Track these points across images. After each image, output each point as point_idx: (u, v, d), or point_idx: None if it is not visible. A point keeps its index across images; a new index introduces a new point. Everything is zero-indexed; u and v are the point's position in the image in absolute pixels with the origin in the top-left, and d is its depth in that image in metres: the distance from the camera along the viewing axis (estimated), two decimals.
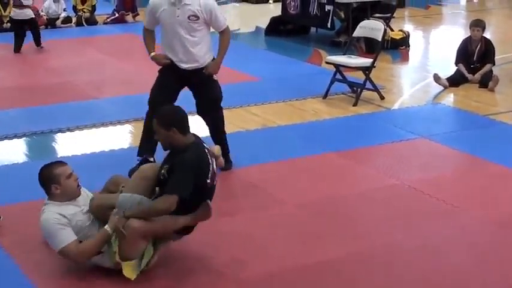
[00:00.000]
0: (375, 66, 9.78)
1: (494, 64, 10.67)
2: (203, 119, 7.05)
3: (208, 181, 5.12)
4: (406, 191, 6.67)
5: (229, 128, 8.22)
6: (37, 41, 12.74)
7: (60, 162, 5.30)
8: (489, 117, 8.96)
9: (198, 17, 6.60)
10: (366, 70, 9.69)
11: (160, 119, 5.19)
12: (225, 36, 6.87)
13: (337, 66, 9.86)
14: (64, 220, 5.01)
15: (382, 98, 9.67)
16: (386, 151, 7.79)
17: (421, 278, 5.16)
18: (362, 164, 7.46)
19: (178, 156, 5.05)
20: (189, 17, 6.59)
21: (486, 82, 10.27)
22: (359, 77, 9.91)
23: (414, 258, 5.44)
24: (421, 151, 7.81)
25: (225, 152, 6.98)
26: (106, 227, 5.01)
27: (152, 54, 6.89)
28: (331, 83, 9.79)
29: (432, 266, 5.30)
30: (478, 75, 10.46)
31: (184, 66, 6.74)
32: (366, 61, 9.89)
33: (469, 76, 10.48)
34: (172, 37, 6.69)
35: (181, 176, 4.97)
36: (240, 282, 5.05)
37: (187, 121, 5.22)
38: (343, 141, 8.03)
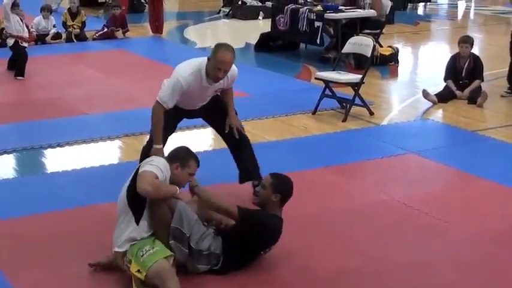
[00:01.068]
0: (364, 82, 9.82)
1: (482, 80, 10.73)
2: (229, 139, 6.77)
3: (262, 252, 5.48)
4: (396, 207, 6.69)
5: (220, 144, 8.25)
6: (16, 70, 11.95)
7: (198, 162, 5.51)
8: (478, 133, 9.01)
9: (223, 88, 6.49)
10: (355, 86, 9.73)
11: (275, 181, 5.52)
12: (231, 89, 6.68)
13: (327, 82, 9.89)
14: (165, 171, 5.26)
15: (371, 113, 9.70)
16: (376, 167, 7.82)
17: None
18: (351, 179, 7.48)
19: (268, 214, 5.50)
20: (216, 91, 6.46)
21: (475, 98, 10.32)
22: (348, 92, 9.95)
23: (405, 273, 5.46)
24: (410, 167, 7.84)
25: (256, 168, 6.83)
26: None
27: (159, 147, 6.20)
28: (321, 98, 9.82)
29: (423, 282, 5.32)
30: (466, 92, 10.52)
31: (196, 107, 6.61)
32: (355, 77, 9.92)
33: (458, 92, 10.53)
34: (191, 101, 6.49)
35: (262, 219, 5.42)
36: None
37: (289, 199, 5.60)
38: (333, 157, 8.05)
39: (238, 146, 6.75)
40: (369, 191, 7.10)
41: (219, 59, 6.02)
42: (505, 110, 10.22)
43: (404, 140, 8.61)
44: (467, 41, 10.75)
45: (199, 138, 8.69)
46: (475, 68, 10.71)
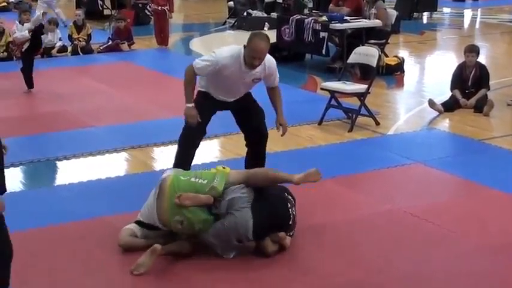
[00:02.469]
0: (369, 92, 9.82)
1: (489, 89, 10.73)
2: (252, 135, 7.12)
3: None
4: (402, 217, 6.68)
5: (225, 154, 8.28)
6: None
7: None
8: (484, 142, 9.00)
9: (260, 79, 6.74)
10: (361, 96, 9.73)
11: None
12: (278, 89, 7.03)
13: (332, 92, 9.89)
14: None
15: (377, 123, 9.70)
16: (382, 177, 7.81)
17: None
18: (357, 190, 7.47)
19: None
20: (253, 80, 6.70)
21: (481, 107, 10.32)
22: (354, 103, 9.94)
23: (411, 284, 5.45)
24: (416, 176, 7.82)
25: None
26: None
27: (191, 105, 6.63)
28: (326, 109, 9.82)
29: None
30: (473, 100, 10.51)
31: (230, 100, 6.86)
32: (360, 87, 9.92)
33: (463, 101, 10.51)
34: (228, 88, 6.73)
35: None
36: None
37: None
38: (339, 167, 8.04)
39: (258, 142, 7.09)
40: (375, 201, 7.09)
41: (252, 48, 6.37)
42: (511, 119, 10.20)
43: (410, 150, 8.60)
44: (473, 50, 10.75)
45: (207, 150, 8.70)
46: (481, 77, 10.70)
